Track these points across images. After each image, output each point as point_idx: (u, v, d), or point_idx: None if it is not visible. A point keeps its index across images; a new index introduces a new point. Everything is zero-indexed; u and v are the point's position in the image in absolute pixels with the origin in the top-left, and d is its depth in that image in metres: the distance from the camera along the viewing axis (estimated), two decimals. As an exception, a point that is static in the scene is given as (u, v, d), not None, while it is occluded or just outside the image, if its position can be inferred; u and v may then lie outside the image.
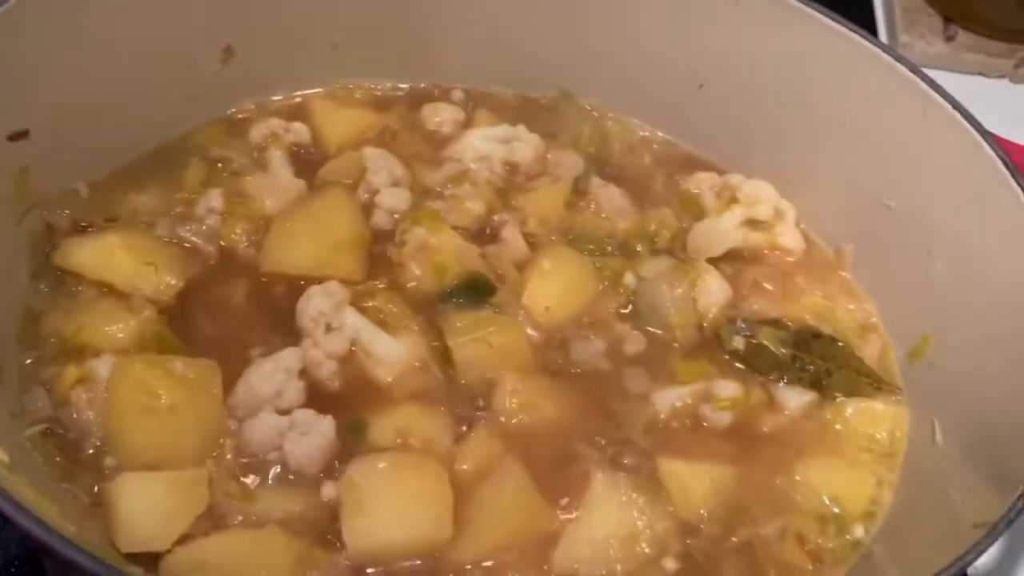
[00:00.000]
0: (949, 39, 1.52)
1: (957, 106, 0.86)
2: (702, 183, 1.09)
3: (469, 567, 0.78)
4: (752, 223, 1.04)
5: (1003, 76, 1.51)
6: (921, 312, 0.95)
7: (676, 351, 0.95)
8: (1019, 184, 0.82)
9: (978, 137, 0.84)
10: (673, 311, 0.96)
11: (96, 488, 0.78)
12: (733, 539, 0.83)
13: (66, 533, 0.60)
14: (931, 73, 0.91)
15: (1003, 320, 0.83)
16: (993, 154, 0.83)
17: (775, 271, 1.03)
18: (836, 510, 0.85)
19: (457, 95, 1.16)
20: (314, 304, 0.89)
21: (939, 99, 0.87)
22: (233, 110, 1.09)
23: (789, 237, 1.04)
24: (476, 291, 0.94)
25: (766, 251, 1.04)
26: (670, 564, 0.80)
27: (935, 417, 0.88)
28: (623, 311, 0.98)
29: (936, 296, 0.94)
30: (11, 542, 0.90)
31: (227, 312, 0.93)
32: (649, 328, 0.96)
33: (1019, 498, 0.64)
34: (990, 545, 0.62)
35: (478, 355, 0.89)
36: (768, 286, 1.01)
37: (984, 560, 0.97)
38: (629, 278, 0.99)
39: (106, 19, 0.93)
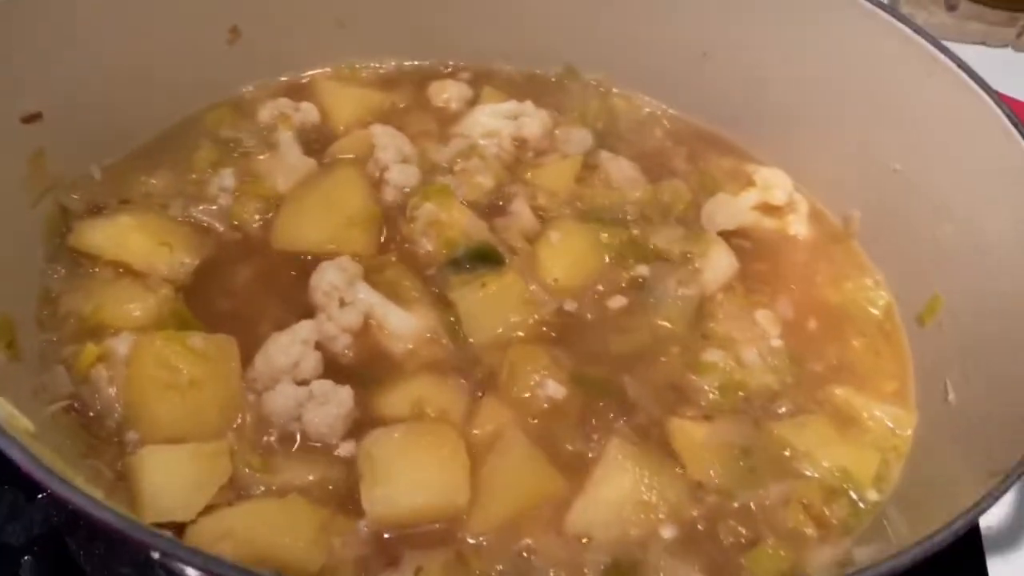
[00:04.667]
0: (951, 8, 1.52)
1: (962, 65, 0.86)
2: (720, 165, 1.10)
3: (486, 530, 0.79)
4: (765, 208, 1.05)
5: (1005, 45, 1.52)
6: (930, 275, 0.96)
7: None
8: (1025, 140, 0.82)
9: (984, 95, 0.84)
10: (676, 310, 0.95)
11: (120, 464, 0.79)
12: (734, 504, 0.83)
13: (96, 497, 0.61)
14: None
15: (1013, 274, 0.84)
16: (999, 111, 0.83)
17: (781, 255, 1.04)
18: (845, 485, 0.85)
19: (463, 73, 1.17)
20: (327, 278, 0.91)
21: (944, 59, 0.87)
22: (240, 91, 1.10)
23: (800, 227, 1.06)
24: (484, 260, 0.95)
25: (775, 238, 1.05)
26: (669, 531, 0.80)
27: (947, 377, 0.89)
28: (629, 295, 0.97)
29: (945, 258, 0.94)
30: (34, 522, 0.91)
31: (241, 290, 0.94)
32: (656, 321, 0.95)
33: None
34: (1005, 491, 0.63)
35: (478, 302, 0.90)
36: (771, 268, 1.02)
37: (996, 521, 0.99)
38: (642, 268, 0.98)
39: (115, 2, 0.93)
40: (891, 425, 0.89)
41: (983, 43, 1.51)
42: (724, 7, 1.04)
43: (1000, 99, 0.84)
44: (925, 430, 0.89)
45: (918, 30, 0.89)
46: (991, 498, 0.62)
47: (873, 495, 0.85)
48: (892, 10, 0.91)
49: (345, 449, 0.82)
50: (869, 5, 0.92)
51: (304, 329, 0.86)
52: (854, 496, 0.84)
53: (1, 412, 0.63)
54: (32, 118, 0.89)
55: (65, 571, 0.87)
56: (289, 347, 0.85)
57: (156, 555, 0.54)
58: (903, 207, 0.99)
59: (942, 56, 0.88)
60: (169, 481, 0.76)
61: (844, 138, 1.03)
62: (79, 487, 0.56)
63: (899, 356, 0.96)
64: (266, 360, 0.85)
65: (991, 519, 0.98)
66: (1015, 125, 0.82)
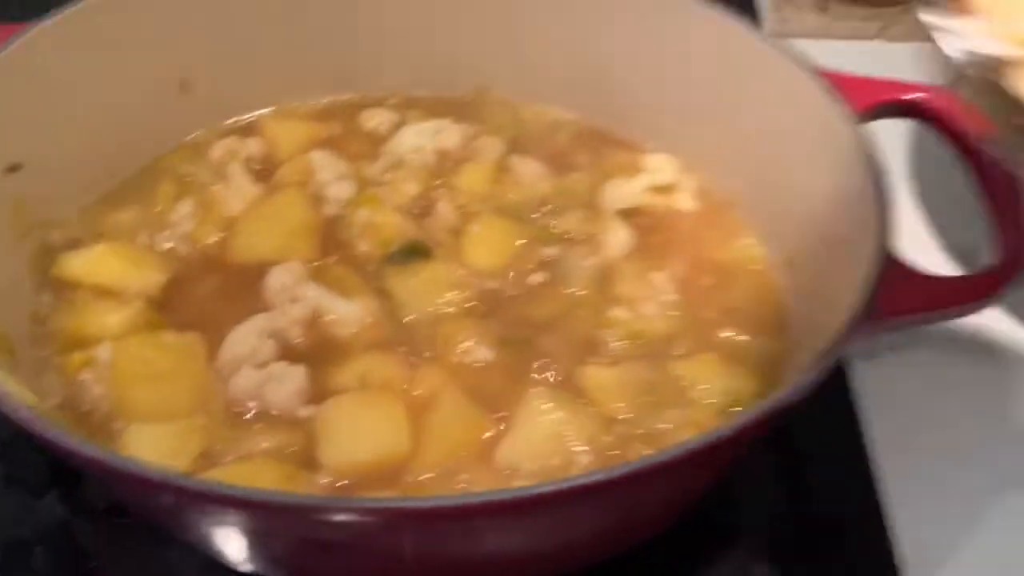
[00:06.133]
0: (822, 10, 1.72)
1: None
2: (616, 159, 1.27)
3: (427, 471, 0.92)
4: (656, 189, 1.22)
5: (872, 38, 1.71)
6: (796, 232, 1.12)
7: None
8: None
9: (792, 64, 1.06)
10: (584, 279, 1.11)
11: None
12: (640, 431, 0.96)
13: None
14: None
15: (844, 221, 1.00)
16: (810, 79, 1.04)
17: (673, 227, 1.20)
18: (736, 406, 0.97)
19: (391, 100, 1.34)
20: (278, 280, 1.05)
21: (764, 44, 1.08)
22: (194, 135, 1.26)
23: (688, 203, 1.22)
24: (415, 253, 1.10)
25: (667, 213, 1.21)
26: (586, 457, 0.93)
27: (809, 304, 1.05)
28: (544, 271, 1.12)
29: (806, 215, 1.11)
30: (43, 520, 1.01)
31: (205, 299, 1.08)
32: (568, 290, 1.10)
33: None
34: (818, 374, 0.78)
35: (412, 287, 1.06)
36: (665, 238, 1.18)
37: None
38: (552, 250, 1.14)
39: (81, 72, 1.12)
40: (769, 353, 1.04)
41: (853, 38, 1.71)
42: (591, 28, 1.23)
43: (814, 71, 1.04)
44: (798, 353, 1.04)
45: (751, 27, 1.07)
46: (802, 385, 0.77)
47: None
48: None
49: (303, 417, 0.96)
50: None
51: (260, 320, 1.01)
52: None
53: (9, 387, 0.77)
54: (14, 168, 1.05)
55: (76, 564, 0.98)
56: (247, 336, 0.99)
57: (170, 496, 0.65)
58: (770, 181, 1.16)
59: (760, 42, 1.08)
60: (149, 452, 0.89)
61: (718, 127, 1.20)
62: (85, 441, 0.70)
63: (775, 300, 1.12)
64: (229, 350, 0.99)
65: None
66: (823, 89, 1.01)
